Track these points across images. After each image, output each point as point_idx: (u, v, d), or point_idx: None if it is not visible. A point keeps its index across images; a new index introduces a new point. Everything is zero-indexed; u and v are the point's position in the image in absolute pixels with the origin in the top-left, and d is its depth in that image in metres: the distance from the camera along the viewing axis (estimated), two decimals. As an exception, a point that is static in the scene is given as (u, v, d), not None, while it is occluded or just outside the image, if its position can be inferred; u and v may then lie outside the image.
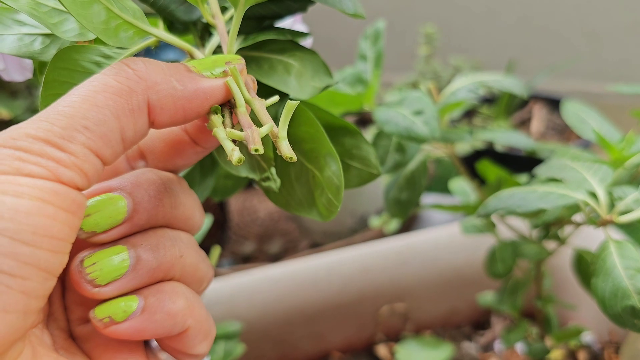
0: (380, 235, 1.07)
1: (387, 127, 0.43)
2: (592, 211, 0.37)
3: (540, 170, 0.40)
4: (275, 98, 0.26)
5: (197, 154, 0.28)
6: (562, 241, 0.52)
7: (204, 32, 0.31)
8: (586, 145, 1.00)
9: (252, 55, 0.29)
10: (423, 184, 0.46)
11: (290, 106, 0.24)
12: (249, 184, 1.45)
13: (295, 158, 0.23)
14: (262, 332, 0.70)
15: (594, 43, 1.39)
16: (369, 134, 1.00)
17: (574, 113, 0.51)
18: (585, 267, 0.47)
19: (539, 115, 1.20)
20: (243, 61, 0.26)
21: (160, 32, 0.27)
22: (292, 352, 0.72)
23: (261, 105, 0.25)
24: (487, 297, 0.65)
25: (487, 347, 0.74)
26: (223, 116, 0.25)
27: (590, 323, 0.68)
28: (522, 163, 0.96)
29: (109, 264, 0.23)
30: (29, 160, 0.20)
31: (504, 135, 0.48)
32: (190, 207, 0.27)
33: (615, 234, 0.66)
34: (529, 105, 1.22)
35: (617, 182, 0.36)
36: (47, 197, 0.20)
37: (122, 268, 0.23)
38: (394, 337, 0.76)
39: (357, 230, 1.08)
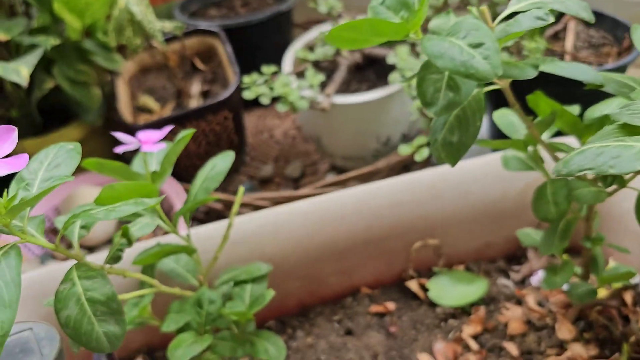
0: (407, 161, 1.02)
1: (441, 61, 0.37)
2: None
3: (619, 115, 0.35)
4: None
5: None
6: (623, 184, 0.47)
7: None
8: (622, 66, 0.92)
9: None
10: (478, 124, 0.40)
11: None
12: (255, 102, 1.39)
13: None
14: (289, 270, 0.67)
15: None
16: (396, 56, 0.93)
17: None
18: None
19: (574, 30, 1.12)
20: None
21: None
22: (319, 289, 0.70)
23: None
24: (529, 235, 0.61)
25: (523, 282, 0.71)
26: None
27: (634, 262, 0.65)
28: (564, 88, 0.89)
29: None
30: None
31: (568, 68, 0.42)
32: None
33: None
34: (563, 18, 1.13)
35: None
36: None
37: None
38: (425, 273, 0.73)
39: (381, 155, 1.03)
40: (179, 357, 0.48)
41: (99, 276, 0.38)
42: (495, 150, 0.72)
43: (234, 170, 1.19)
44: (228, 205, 1.04)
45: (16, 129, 0.36)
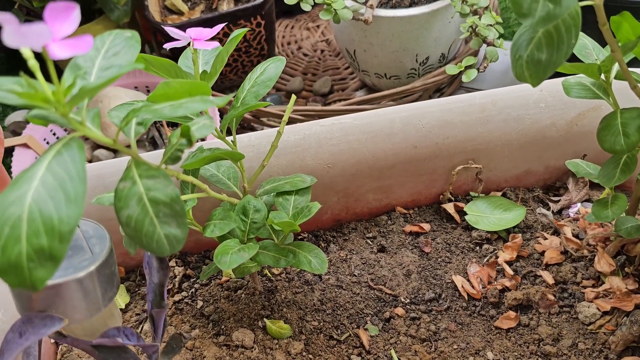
0: (442, 82, 0.99)
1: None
2: None
3: None
4: None
5: None
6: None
7: None
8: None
9: None
10: (573, 41, 0.38)
11: None
12: (287, 10, 1.33)
13: None
14: (328, 184, 0.66)
15: None
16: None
17: None
18: None
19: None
20: None
21: None
22: (356, 205, 0.69)
23: None
24: (580, 166, 0.60)
25: (561, 213, 0.70)
26: None
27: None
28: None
29: None
30: None
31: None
32: None
33: None
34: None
35: None
36: None
37: None
38: (463, 197, 0.72)
39: (417, 75, 1.00)
40: (229, 263, 0.47)
41: (161, 176, 0.36)
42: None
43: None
44: (257, 116, 1.02)
45: (77, 6, 0.33)
